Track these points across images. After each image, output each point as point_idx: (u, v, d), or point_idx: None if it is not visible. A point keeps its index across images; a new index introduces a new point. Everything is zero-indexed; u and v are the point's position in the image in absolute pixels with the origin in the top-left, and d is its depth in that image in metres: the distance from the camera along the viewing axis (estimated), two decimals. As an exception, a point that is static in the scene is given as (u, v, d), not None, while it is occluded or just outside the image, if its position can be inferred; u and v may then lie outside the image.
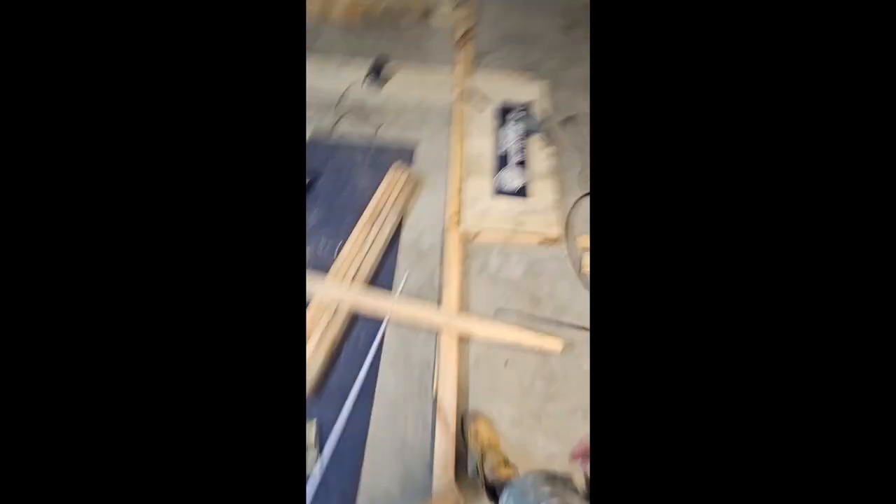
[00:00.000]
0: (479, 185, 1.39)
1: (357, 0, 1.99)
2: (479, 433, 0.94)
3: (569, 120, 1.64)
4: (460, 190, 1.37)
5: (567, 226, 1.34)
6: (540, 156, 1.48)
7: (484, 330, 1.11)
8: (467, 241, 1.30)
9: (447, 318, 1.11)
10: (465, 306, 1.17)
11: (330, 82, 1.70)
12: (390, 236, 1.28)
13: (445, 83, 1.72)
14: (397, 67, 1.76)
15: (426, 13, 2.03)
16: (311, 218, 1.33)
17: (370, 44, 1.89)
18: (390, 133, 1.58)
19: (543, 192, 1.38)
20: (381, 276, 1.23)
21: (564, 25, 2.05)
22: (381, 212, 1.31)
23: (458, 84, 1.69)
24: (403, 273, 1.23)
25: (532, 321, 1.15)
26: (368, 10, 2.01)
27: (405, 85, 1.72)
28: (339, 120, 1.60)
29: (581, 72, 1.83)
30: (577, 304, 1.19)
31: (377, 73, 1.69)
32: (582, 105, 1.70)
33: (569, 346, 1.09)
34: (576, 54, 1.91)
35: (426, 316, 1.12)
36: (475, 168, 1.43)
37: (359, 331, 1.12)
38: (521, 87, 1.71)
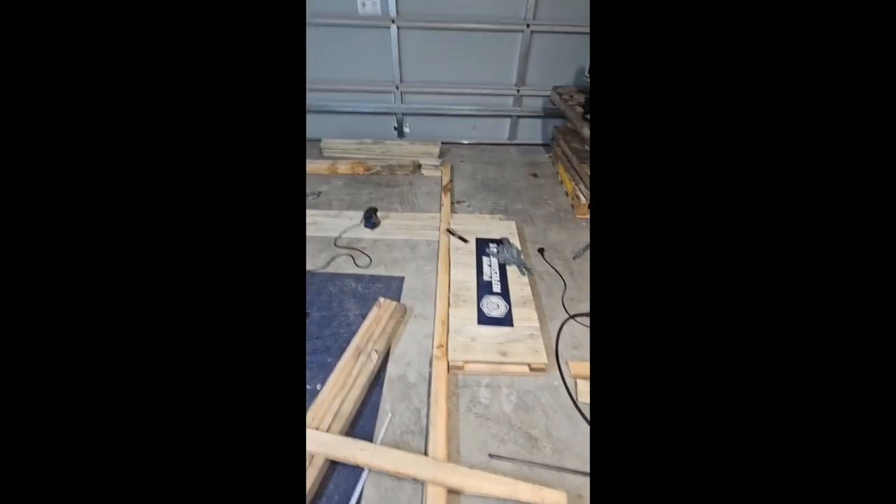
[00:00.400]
0: (464, 315, 1.43)
1: (360, 161, 2.43)
2: None
3: (541, 251, 1.82)
4: (447, 319, 1.41)
5: (557, 352, 1.34)
6: (518, 285, 1.58)
7: (475, 483, 0.97)
8: (455, 371, 1.26)
9: (434, 471, 0.99)
10: (454, 449, 1.06)
11: (329, 227, 1.92)
12: (375, 370, 1.24)
13: (430, 224, 1.95)
14: (387, 214, 2.03)
15: (417, 167, 2.46)
16: (295, 354, 1.31)
17: (368, 198, 2.22)
18: (380, 269, 1.70)
19: (527, 319, 1.41)
20: (365, 415, 1.13)
21: (528, 174, 2.48)
22: (366, 344, 1.30)
23: (442, 222, 1.93)
24: (387, 412, 1.14)
25: (530, 468, 1.03)
26: (370, 167, 2.42)
27: (395, 228, 1.95)
28: (333, 258, 1.74)
29: (544, 211, 2.13)
30: (578, 441, 1.09)
31: (370, 217, 1.93)
32: (554, 236, 1.91)
33: (575, 499, 0.95)
34: (539, 198, 2.25)
35: (411, 467, 0.99)
36: (460, 297, 1.50)
37: (335, 485, 0.97)
38: (496, 225, 1.95)
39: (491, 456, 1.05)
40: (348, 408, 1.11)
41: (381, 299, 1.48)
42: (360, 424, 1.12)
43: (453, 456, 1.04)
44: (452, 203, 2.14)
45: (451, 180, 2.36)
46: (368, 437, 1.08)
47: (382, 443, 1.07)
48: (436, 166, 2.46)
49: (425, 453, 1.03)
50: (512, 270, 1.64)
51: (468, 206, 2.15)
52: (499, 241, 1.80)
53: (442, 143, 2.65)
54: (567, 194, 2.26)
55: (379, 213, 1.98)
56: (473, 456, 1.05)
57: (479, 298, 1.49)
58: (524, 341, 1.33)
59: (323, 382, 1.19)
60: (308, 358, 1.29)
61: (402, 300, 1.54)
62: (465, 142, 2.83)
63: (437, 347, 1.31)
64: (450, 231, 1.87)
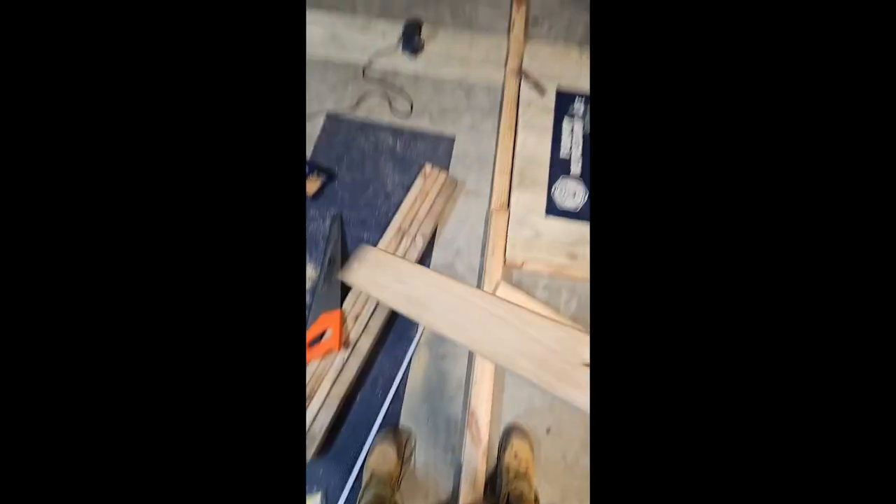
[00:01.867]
0: (530, 200, 1.14)
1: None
2: (518, 454, 0.82)
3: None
4: (508, 204, 1.13)
5: (632, 258, 1.11)
6: (606, 164, 1.20)
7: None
8: (512, 268, 1.09)
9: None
10: (503, 353, 0.99)
11: (354, 47, 1.40)
12: (419, 257, 1.07)
13: (493, 57, 1.40)
14: (434, 32, 1.44)
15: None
16: (326, 226, 1.12)
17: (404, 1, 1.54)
18: (424, 120, 1.31)
19: (607, 214, 1.13)
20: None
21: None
22: (409, 225, 1.09)
23: (511, 59, 1.37)
24: (432, 305, 1.04)
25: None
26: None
27: (444, 56, 1.41)
28: (363, 95, 1.32)
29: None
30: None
31: (412, 36, 1.37)
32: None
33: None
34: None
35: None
36: (526, 176, 1.18)
37: (379, 367, 0.97)
38: (585, 70, 1.38)
39: (541, 364, 0.99)
40: (390, 297, 1.00)
41: (428, 167, 1.17)
42: (401, 319, 1.03)
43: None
44: (527, 22, 1.49)
45: (528, -21, 1.58)
46: (410, 331, 1.01)
47: (426, 333, 1.00)
48: (508, -50, 1.61)
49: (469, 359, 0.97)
50: (598, 143, 1.23)
51: (550, 30, 1.50)
52: (588, 97, 1.30)
53: None
54: (697, 22, 1.52)
55: (423, 31, 1.40)
56: (522, 360, 0.99)
57: (552, 180, 1.16)
58: (600, 244, 1.09)
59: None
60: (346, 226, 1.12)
61: (452, 169, 1.23)
62: None
63: (495, 238, 1.09)
64: (522, 73, 1.34)
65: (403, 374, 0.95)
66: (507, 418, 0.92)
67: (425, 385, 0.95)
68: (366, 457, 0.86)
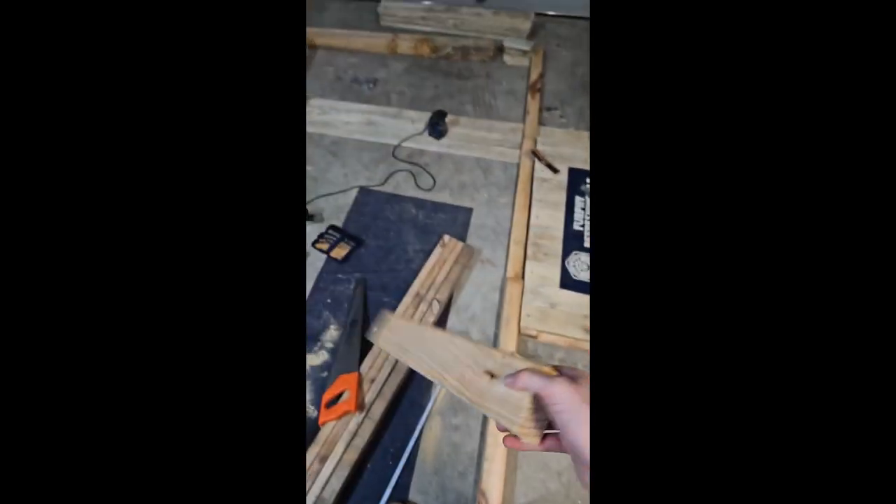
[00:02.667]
0: (544, 272, 1.20)
1: (426, 37, 1.90)
2: None
3: (651, 192, 1.41)
4: (522, 275, 1.19)
5: (646, 332, 1.11)
6: (616, 238, 1.26)
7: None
8: (526, 338, 1.11)
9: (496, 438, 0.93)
10: (516, 426, 0.98)
11: (387, 132, 1.61)
12: (435, 322, 1.12)
13: (510, 139, 1.56)
14: (457, 119, 1.64)
15: (499, 51, 1.90)
16: (351, 289, 1.21)
17: (433, 93, 1.79)
18: (445, 194, 1.44)
19: (619, 287, 1.16)
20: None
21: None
22: (427, 291, 1.16)
23: (526, 140, 1.53)
24: (447, 371, 1.06)
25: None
26: (439, 47, 1.91)
27: (465, 139, 1.59)
28: (392, 173, 1.49)
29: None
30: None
31: (437, 123, 1.57)
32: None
33: None
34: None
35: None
36: (540, 248, 1.25)
37: (391, 435, 0.97)
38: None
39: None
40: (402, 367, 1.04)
41: (446, 237, 1.27)
42: (417, 380, 1.05)
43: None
44: (541, 110, 1.67)
45: (541, 75, 1.81)
46: (422, 399, 1.02)
47: (439, 402, 1.01)
48: (523, 52, 1.88)
49: (483, 424, 0.97)
50: (609, 218, 1.31)
51: (562, 118, 1.67)
52: (597, 175, 1.41)
53: (535, 14, 1.97)
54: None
55: (448, 118, 1.60)
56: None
57: (566, 253, 1.23)
58: (613, 316, 1.11)
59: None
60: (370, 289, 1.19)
61: (469, 239, 1.32)
62: (568, 14, 2.09)
63: (510, 307, 1.13)
64: (535, 153, 1.49)
65: (415, 444, 0.95)
66: (519, 501, 0.88)
67: (436, 457, 0.94)
68: (372, 532, 0.84)
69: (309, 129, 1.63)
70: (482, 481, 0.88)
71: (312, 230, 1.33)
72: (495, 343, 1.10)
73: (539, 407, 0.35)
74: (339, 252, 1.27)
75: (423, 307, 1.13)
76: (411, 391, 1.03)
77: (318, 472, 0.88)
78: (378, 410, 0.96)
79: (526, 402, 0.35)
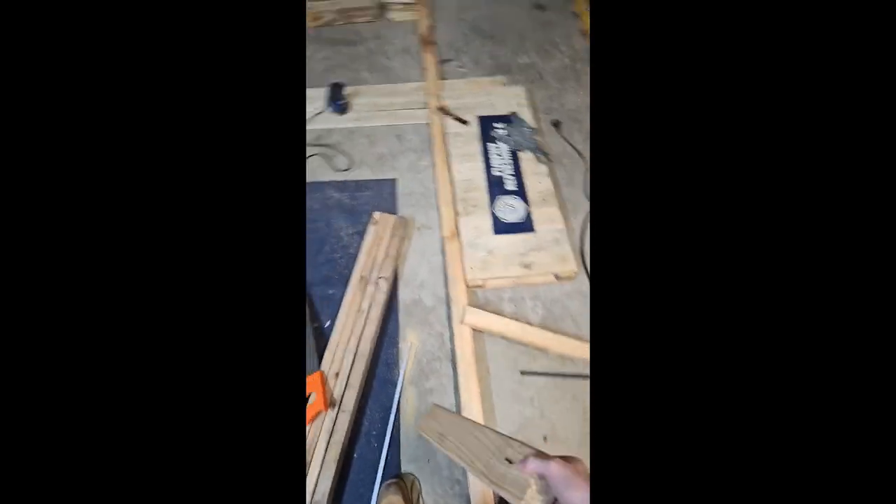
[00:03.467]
0: (477, 223, 1.22)
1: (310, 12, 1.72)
2: None
3: (556, 124, 1.47)
4: (457, 231, 1.20)
5: (582, 254, 1.20)
6: (536, 176, 1.31)
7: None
8: (475, 289, 1.15)
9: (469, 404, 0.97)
10: (484, 370, 1.03)
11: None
12: (386, 300, 1.11)
13: (415, 100, 1.51)
14: (357, 90, 1.54)
15: (381, 8, 1.78)
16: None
17: (324, 65, 1.65)
18: (365, 171, 1.38)
19: (549, 220, 1.22)
20: (385, 348, 1.06)
21: (532, 6, 1.84)
22: (370, 272, 1.13)
23: (430, 98, 1.49)
24: (409, 342, 1.07)
25: (563, 380, 1.02)
26: (318, 14, 1.75)
27: (371, 109, 1.50)
28: (308, 156, 1.38)
29: (557, 63, 1.65)
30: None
31: (337, 98, 1.46)
32: (571, 101, 1.53)
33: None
34: (549, 42, 1.72)
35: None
36: (468, 202, 1.26)
37: (369, 419, 0.97)
38: (500, 93, 1.52)
39: (523, 373, 1.03)
40: (367, 345, 1.02)
41: (377, 214, 1.23)
42: (383, 358, 1.05)
43: (483, 377, 1.02)
44: (438, 63, 1.63)
45: (431, 25, 1.74)
46: (392, 373, 1.03)
47: (409, 373, 1.02)
48: (407, 4, 1.78)
49: (455, 379, 1.00)
50: (526, 157, 1.35)
51: (460, 67, 1.64)
52: (506, 119, 1.43)
53: (410, -38, 1.86)
54: (584, 33, 1.73)
55: (346, 89, 1.50)
56: (505, 375, 1.03)
57: (492, 200, 1.25)
58: (548, 248, 1.17)
59: (332, 319, 1.06)
60: (315, 284, 1.14)
61: (400, 210, 1.29)
62: (442, -43, 2.00)
63: (453, 265, 1.15)
64: (442, 110, 1.46)
65: (395, 419, 0.96)
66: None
67: (416, 424, 0.97)
68: (374, 513, 0.86)
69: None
70: (465, 430, 0.92)
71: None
72: (448, 304, 1.12)
73: (544, 485, 0.43)
74: (266, 257, 1.17)
75: (370, 289, 1.11)
76: (380, 370, 1.03)
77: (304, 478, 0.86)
78: (350, 401, 0.95)
79: (531, 481, 0.43)
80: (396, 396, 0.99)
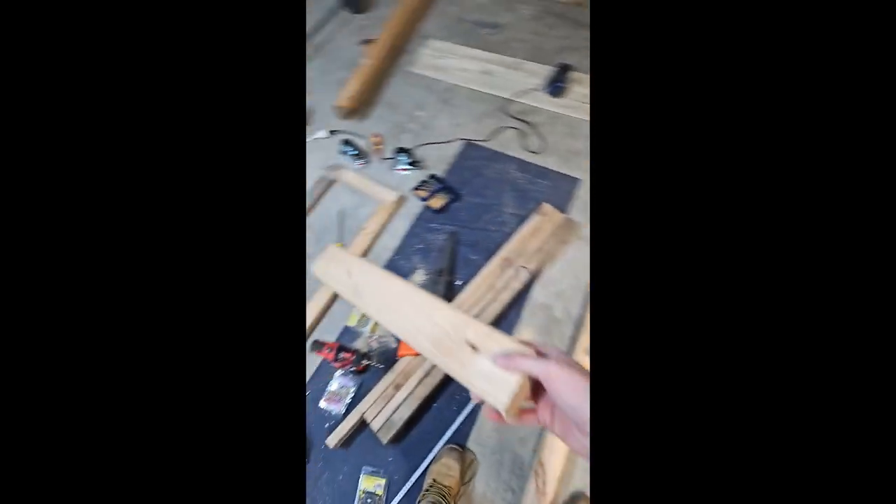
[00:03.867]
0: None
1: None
2: None
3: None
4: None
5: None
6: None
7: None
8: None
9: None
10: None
11: (503, 83, 1.51)
12: (520, 289, 1.10)
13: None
14: (582, 77, 1.47)
15: None
16: (442, 240, 1.23)
17: (559, 44, 1.61)
18: (553, 159, 1.34)
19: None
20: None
21: None
22: (517, 258, 1.13)
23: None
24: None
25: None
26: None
27: (587, 100, 1.42)
28: (499, 128, 1.42)
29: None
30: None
31: (559, 80, 1.43)
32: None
33: None
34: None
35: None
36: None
37: (458, 384, 1.02)
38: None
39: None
40: (486, 320, 1.05)
41: (546, 206, 1.20)
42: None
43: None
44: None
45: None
46: (498, 357, 1.04)
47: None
48: None
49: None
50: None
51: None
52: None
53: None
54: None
55: (572, 74, 1.44)
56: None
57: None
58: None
59: (465, 282, 1.12)
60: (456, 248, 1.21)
61: (571, 211, 1.23)
62: None
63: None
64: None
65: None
66: (578, 484, 0.88)
67: (499, 416, 0.97)
68: (430, 463, 0.92)
69: (423, 71, 1.61)
70: (543, 453, 0.88)
71: (415, 176, 1.35)
72: (578, 326, 1.05)
73: (534, 388, 0.35)
74: (437, 202, 1.28)
75: (509, 273, 1.11)
76: (484, 350, 1.05)
77: (390, 398, 0.97)
78: (452, 359, 1.00)
79: (519, 384, 0.35)
80: (490, 380, 1.00)
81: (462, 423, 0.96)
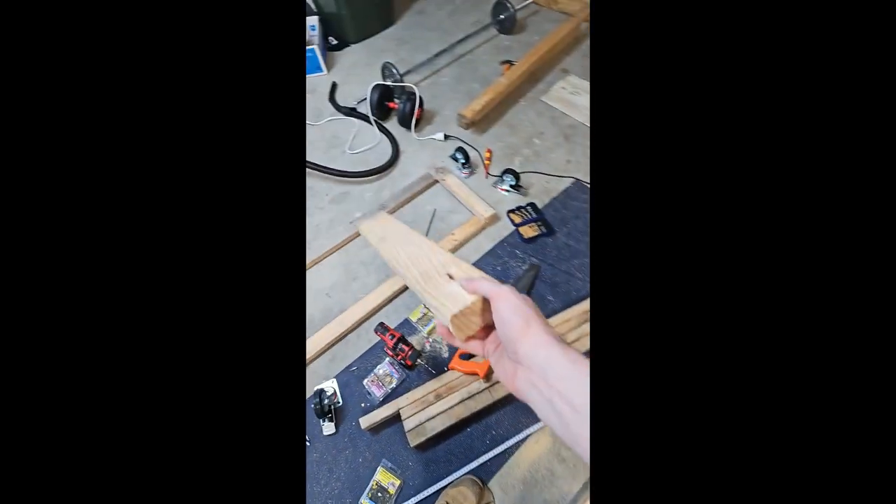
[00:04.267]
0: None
1: None
2: None
3: None
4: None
5: None
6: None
7: None
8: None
9: None
10: None
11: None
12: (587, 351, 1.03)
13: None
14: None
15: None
16: (523, 269, 1.21)
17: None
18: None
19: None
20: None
21: None
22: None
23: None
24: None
25: None
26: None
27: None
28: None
29: None
30: None
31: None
32: None
33: None
34: None
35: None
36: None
37: (497, 420, 0.98)
38: None
39: None
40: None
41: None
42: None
43: None
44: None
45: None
46: (547, 407, 0.98)
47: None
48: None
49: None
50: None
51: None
52: None
53: None
54: None
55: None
56: None
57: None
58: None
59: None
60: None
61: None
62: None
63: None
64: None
65: (516, 444, 0.94)
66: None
67: (530, 471, 0.91)
68: (448, 485, 0.89)
69: (553, 103, 1.62)
70: (567, 527, 0.81)
71: (514, 199, 1.36)
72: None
73: (484, 309, 0.38)
74: (528, 231, 1.27)
75: (584, 327, 1.05)
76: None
77: (429, 404, 0.97)
78: (500, 391, 0.97)
79: (471, 300, 0.38)
80: (532, 428, 0.95)
81: (490, 460, 0.92)
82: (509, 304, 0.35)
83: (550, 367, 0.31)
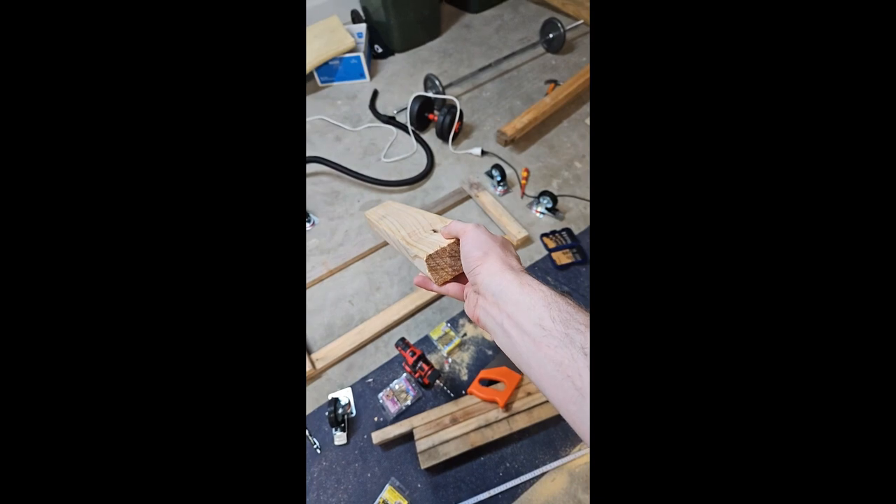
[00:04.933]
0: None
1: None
2: None
3: None
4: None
5: None
6: None
7: None
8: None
9: None
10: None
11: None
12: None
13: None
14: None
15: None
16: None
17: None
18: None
19: None
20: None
21: None
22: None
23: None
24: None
25: None
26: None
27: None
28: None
29: None
30: None
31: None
32: None
33: None
34: None
35: None
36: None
37: (513, 453, 0.94)
38: None
39: None
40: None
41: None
42: (565, 426, 0.97)
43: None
44: None
45: None
46: (560, 449, 0.93)
47: (573, 465, 0.91)
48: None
49: None
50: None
51: None
52: None
53: None
54: None
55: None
56: None
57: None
58: None
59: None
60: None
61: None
62: None
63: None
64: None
65: (531, 480, 0.90)
66: None
67: (544, 510, 0.87)
68: (455, 515, 0.86)
69: (595, 127, 1.58)
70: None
71: (549, 223, 1.32)
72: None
73: (454, 253, 0.41)
74: (562, 258, 1.23)
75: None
76: (557, 430, 0.96)
77: (444, 427, 0.94)
78: (519, 423, 0.93)
79: (444, 243, 0.41)
80: (549, 466, 0.91)
81: (502, 493, 0.89)
82: (471, 238, 0.38)
83: (502, 293, 0.33)
